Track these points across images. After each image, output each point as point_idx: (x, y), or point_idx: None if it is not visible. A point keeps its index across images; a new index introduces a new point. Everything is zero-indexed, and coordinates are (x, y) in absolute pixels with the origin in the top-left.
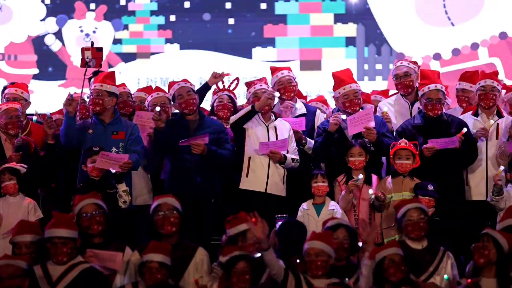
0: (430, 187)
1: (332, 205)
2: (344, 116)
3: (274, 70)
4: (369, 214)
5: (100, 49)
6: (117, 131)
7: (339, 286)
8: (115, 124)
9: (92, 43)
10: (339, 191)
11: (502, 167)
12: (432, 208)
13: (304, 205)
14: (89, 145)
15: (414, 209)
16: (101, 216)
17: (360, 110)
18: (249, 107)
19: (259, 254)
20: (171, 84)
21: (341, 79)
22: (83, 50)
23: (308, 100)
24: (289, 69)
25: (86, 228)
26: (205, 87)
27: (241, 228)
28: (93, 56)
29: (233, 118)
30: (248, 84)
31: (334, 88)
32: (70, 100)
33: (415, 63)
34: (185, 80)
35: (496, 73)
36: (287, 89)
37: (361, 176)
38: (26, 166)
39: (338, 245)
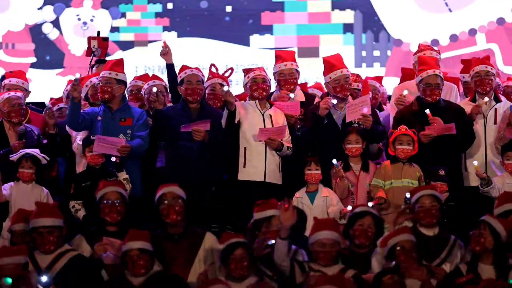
0: (442, 172)
1: (326, 192)
2: (334, 101)
3: (278, 58)
4: (367, 201)
5: (106, 39)
6: (124, 118)
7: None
8: (123, 111)
9: (98, 32)
10: (335, 178)
11: (475, 162)
12: (446, 192)
13: (297, 194)
14: (98, 132)
15: (427, 196)
16: (122, 206)
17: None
18: (225, 111)
19: (273, 241)
20: (184, 67)
21: (331, 64)
22: (90, 39)
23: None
24: (293, 59)
25: (105, 215)
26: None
27: (268, 213)
28: (99, 45)
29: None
30: (246, 71)
31: (325, 73)
32: (76, 85)
33: (438, 51)
34: (198, 69)
35: (487, 58)
36: (288, 81)
37: (334, 161)
38: (48, 158)
39: (361, 231)
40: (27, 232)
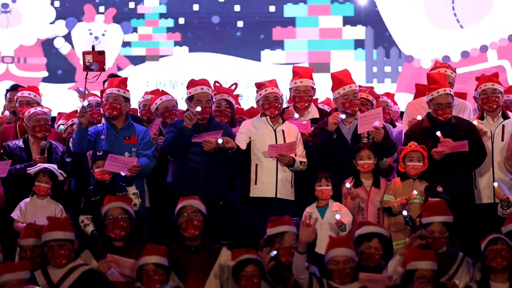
0: (439, 189)
1: (336, 206)
2: (343, 116)
3: (295, 74)
4: (377, 217)
5: (102, 53)
6: (129, 136)
7: None
8: (127, 129)
9: (93, 47)
10: (347, 195)
11: (495, 184)
12: None
13: (308, 209)
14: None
15: (438, 224)
16: (126, 221)
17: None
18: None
19: (274, 253)
20: (192, 82)
21: (340, 79)
22: (84, 54)
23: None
24: (310, 76)
25: (109, 231)
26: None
27: (280, 229)
28: (94, 59)
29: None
30: (259, 85)
31: (333, 89)
32: (83, 112)
33: (453, 70)
34: (207, 83)
35: (496, 75)
36: (302, 98)
37: (348, 184)
38: (65, 175)
39: (368, 255)
40: (36, 247)
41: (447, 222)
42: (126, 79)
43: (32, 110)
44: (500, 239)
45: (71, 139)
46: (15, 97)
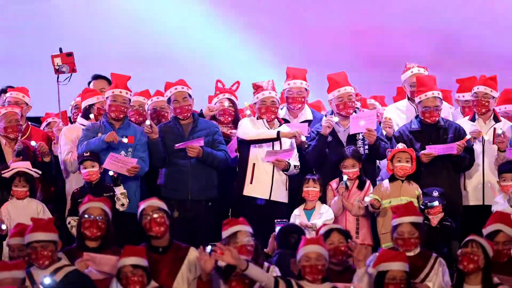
0: (435, 193)
1: (323, 209)
2: (336, 119)
3: (288, 75)
4: (356, 220)
5: (70, 54)
6: (126, 136)
7: None
8: (125, 129)
9: (60, 49)
10: (332, 196)
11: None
12: (441, 213)
13: (295, 211)
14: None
15: (406, 224)
16: (104, 223)
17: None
18: (274, 134)
19: (209, 248)
20: (168, 85)
21: (335, 81)
22: (53, 57)
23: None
24: (303, 77)
25: (85, 229)
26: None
27: (233, 230)
28: (63, 62)
29: (252, 136)
30: (256, 87)
31: (329, 91)
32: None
33: (426, 68)
34: (183, 83)
35: (493, 78)
36: (295, 99)
37: (345, 177)
38: (40, 172)
39: (335, 249)
40: (24, 246)
41: (416, 223)
42: (129, 77)
43: (2, 110)
44: (472, 242)
45: (81, 143)
46: (4, 97)
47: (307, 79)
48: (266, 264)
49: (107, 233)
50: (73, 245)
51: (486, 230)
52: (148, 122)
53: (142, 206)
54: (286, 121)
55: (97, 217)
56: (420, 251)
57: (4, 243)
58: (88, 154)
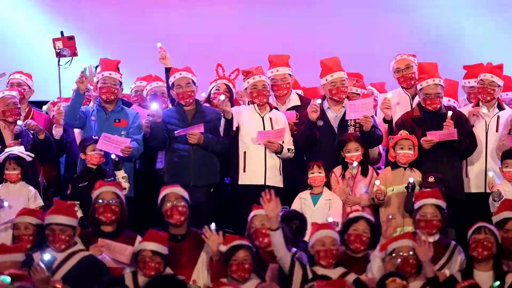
0: (431, 178)
1: (329, 195)
2: (318, 100)
3: (270, 63)
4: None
5: (71, 38)
6: (119, 119)
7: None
8: (118, 112)
9: (62, 33)
10: (335, 184)
11: (490, 174)
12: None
13: (301, 194)
14: (91, 132)
15: (430, 205)
16: (117, 206)
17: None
18: (222, 119)
19: (213, 225)
20: (173, 70)
21: (328, 66)
22: (54, 40)
23: None
24: (285, 64)
25: (99, 214)
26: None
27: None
28: (65, 45)
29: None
30: (246, 73)
31: (321, 75)
32: (83, 76)
33: (414, 56)
34: (188, 69)
35: (499, 67)
36: (280, 86)
37: (355, 163)
38: (32, 155)
39: (356, 236)
40: (31, 225)
41: (440, 206)
42: (119, 62)
43: None
44: (484, 228)
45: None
46: (8, 79)
47: (289, 65)
48: (293, 249)
49: (121, 216)
50: (88, 229)
51: (495, 218)
52: (222, 97)
53: (165, 191)
54: (276, 109)
55: (111, 201)
56: (439, 239)
57: None
58: (97, 137)
